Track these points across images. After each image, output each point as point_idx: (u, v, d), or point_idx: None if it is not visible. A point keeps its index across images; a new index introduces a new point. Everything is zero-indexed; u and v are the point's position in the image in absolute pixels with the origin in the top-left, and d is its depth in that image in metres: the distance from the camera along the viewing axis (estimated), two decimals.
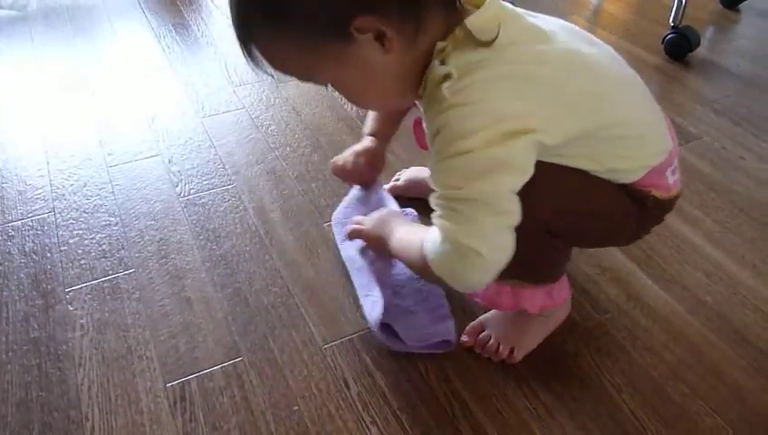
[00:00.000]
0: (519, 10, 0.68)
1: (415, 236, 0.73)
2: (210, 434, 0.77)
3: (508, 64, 0.63)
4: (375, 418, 0.79)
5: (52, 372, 0.85)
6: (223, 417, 0.79)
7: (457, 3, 0.64)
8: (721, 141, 1.28)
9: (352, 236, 0.91)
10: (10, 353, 0.87)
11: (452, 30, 0.63)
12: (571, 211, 0.72)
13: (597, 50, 0.71)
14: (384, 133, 1.00)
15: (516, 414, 0.79)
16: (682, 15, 1.54)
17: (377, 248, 0.90)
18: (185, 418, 0.79)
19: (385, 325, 0.84)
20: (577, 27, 0.74)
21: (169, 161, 1.23)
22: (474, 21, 0.63)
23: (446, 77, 0.62)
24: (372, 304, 0.86)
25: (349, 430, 0.77)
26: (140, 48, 1.66)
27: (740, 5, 1.82)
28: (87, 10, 1.84)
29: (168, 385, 0.83)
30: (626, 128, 0.70)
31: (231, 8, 0.64)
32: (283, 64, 0.66)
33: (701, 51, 1.57)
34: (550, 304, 0.83)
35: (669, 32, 1.55)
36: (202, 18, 1.80)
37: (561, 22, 0.73)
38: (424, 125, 0.71)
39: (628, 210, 0.75)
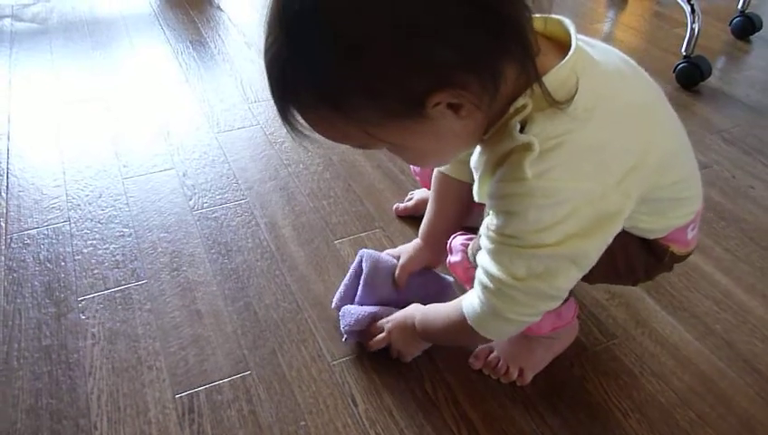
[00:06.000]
0: (587, 48, 0.61)
1: (443, 308, 0.77)
2: None
3: (587, 140, 0.58)
4: None
5: (62, 380, 0.85)
6: (230, 430, 0.79)
7: (533, 51, 0.55)
8: (731, 170, 1.28)
9: (376, 346, 0.87)
10: (21, 360, 0.88)
11: (528, 83, 0.57)
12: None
13: (653, 94, 0.68)
14: (437, 241, 0.92)
15: None
16: (694, 45, 1.56)
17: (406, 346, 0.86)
18: (192, 429, 0.79)
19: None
20: (629, 60, 0.68)
21: (184, 175, 1.25)
22: (551, 80, 0.57)
23: (527, 146, 0.57)
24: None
25: None
26: (158, 63, 1.69)
27: (751, 36, 1.84)
28: (106, 25, 1.88)
29: (177, 396, 0.83)
30: (686, 182, 0.70)
31: (272, 80, 0.57)
32: (333, 136, 0.61)
33: (712, 80, 1.59)
34: (559, 324, 0.83)
35: (681, 61, 1.56)
36: (219, 35, 1.83)
37: (617, 55, 0.67)
38: (474, 161, 0.67)
39: (641, 263, 0.77)
